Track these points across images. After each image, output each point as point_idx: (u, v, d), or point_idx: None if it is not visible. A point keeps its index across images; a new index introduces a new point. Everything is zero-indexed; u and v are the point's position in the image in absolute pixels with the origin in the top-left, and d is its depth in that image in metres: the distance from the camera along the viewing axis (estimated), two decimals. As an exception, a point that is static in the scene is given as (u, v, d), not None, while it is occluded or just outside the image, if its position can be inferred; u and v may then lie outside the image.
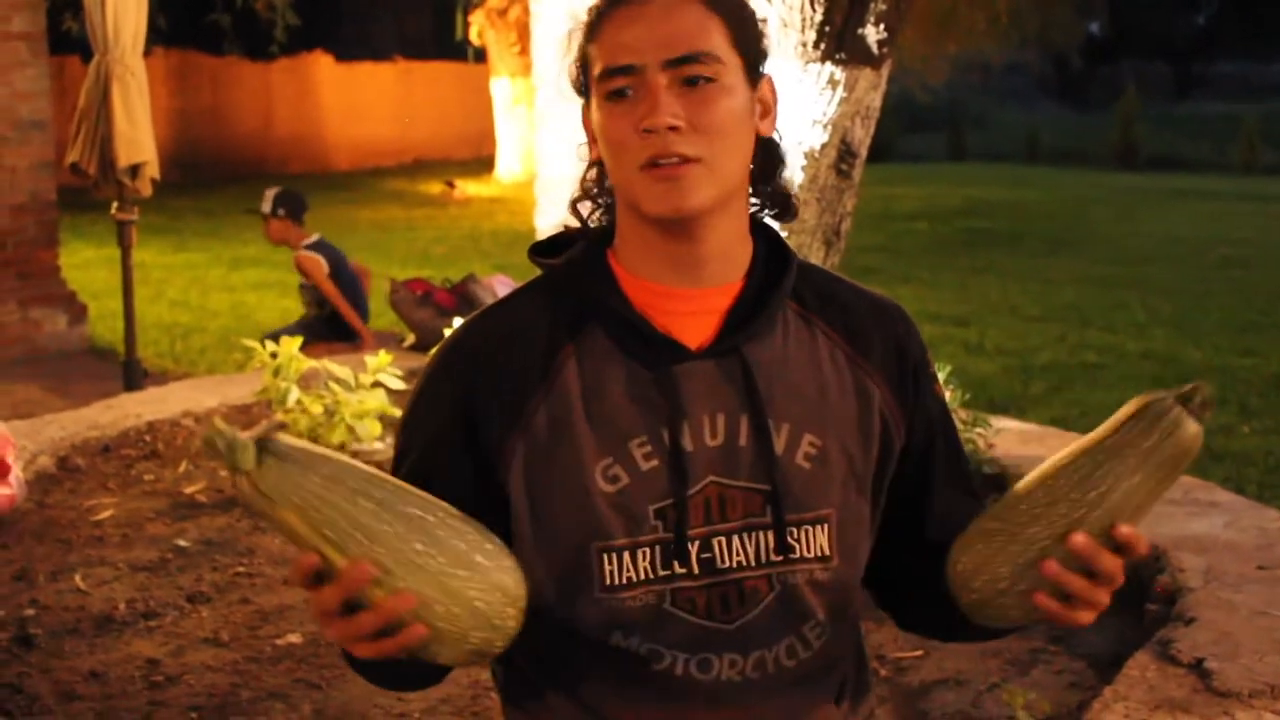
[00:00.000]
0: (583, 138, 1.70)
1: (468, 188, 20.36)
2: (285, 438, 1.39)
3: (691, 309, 1.66)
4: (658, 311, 1.64)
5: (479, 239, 15.40)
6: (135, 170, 6.88)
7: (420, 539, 1.41)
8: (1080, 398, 8.02)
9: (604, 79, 1.59)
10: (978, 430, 4.80)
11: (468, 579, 1.44)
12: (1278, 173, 25.79)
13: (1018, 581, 1.54)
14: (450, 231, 16.13)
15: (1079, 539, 1.49)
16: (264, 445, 1.36)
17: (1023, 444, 5.10)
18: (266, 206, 7.74)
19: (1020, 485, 1.59)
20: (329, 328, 7.54)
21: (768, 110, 1.67)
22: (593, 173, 1.73)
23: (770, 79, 1.68)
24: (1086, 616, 1.56)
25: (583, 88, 1.67)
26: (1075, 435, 5.49)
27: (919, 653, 3.56)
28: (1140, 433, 1.50)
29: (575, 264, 1.69)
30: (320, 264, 7.58)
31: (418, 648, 1.43)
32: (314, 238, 7.74)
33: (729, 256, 1.66)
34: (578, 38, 1.67)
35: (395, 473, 1.69)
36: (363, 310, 7.85)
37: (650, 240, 1.64)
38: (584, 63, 1.65)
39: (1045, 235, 15.96)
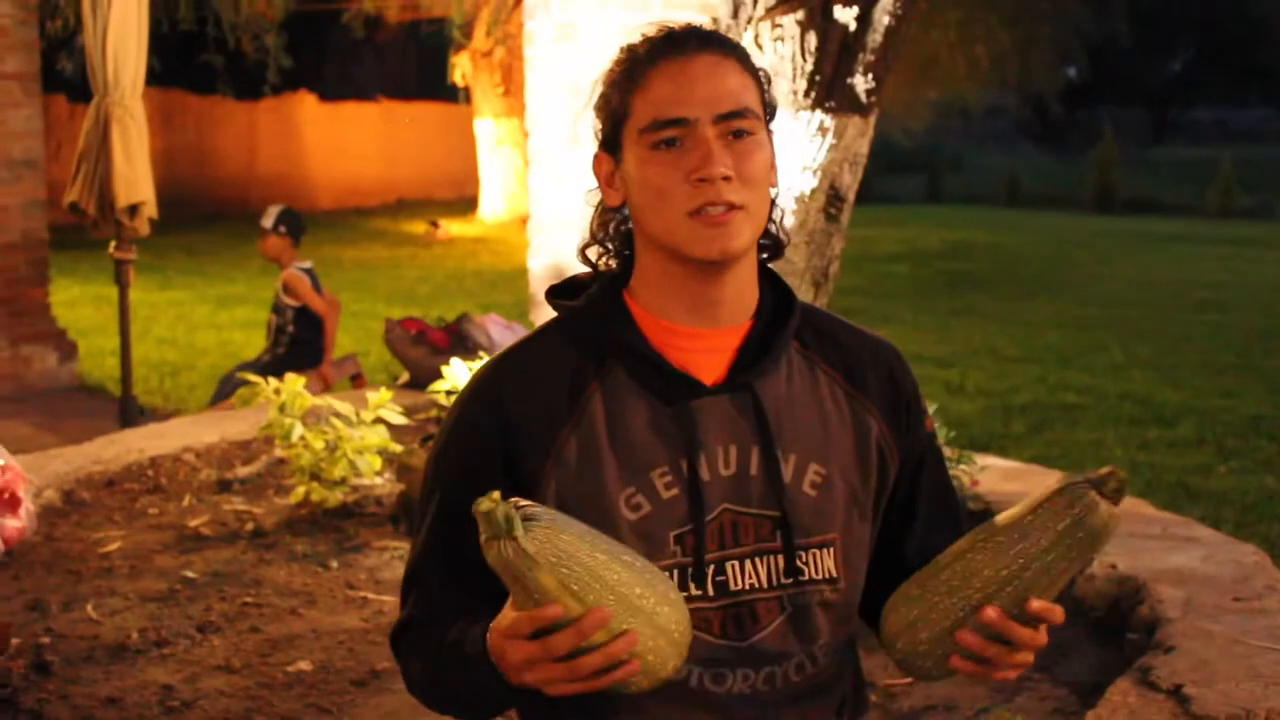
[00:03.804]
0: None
1: (451, 228, 20.42)
2: (535, 506, 1.56)
3: (705, 347, 1.79)
4: (674, 349, 1.78)
5: (463, 278, 15.51)
6: (134, 210, 7.00)
7: (638, 583, 1.58)
8: (1060, 437, 8.14)
9: (653, 129, 1.71)
10: (962, 467, 4.92)
11: (668, 614, 1.60)
12: (1253, 217, 26.02)
13: (936, 646, 1.65)
14: (434, 271, 16.22)
15: (990, 614, 1.61)
16: (526, 513, 1.53)
17: (1006, 481, 5.21)
18: (269, 221, 7.79)
19: (945, 553, 1.72)
20: (291, 359, 7.45)
21: (774, 164, 1.81)
22: (601, 218, 1.85)
23: (772, 135, 1.82)
24: (1009, 674, 1.69)
25: (608, 136, 1.79)
26: (1058, 472, 5.62)
27: (908, 680, 3.67)
28: (1055, 515, 1.61)
29: (595, 305, 1.82)
30: (306, 281, 7.67)
31: (622, 682, 1.58)
32: (306, 263, 7.81)
33: (742, 298, 1.81)
34: (600, 88, 1.79)
35: (425, 505, 1.81)
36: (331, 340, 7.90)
37: (676, 281, 1.77)
38: (615, 112, 1.77)
39: (1024, 278, 16.12)
